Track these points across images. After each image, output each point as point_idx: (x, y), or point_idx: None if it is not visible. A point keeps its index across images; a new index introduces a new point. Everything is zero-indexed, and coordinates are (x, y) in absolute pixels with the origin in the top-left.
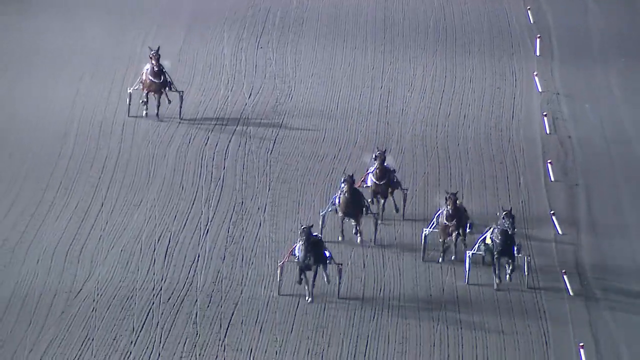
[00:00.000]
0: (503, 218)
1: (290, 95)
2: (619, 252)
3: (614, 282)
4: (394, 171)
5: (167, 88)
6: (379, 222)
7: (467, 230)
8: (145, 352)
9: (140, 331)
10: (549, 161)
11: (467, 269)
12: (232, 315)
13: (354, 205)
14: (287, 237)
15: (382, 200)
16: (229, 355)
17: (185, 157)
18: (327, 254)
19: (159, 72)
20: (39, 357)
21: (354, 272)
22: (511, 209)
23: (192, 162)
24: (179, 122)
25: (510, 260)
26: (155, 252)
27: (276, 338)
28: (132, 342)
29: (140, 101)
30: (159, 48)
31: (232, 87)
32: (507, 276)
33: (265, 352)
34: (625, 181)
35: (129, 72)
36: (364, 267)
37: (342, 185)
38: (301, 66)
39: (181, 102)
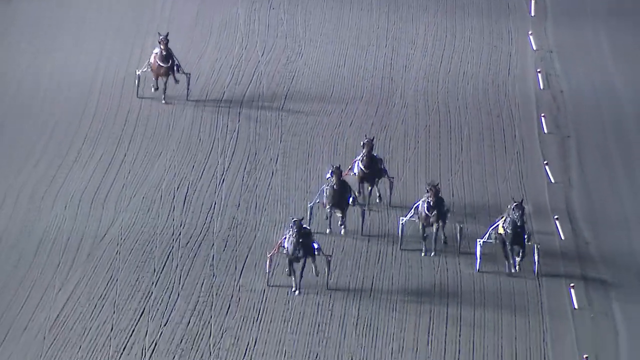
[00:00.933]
0: (513, 209)
1: (301, 54)
2: (608, 199)
3: (603, 226)
4: (381, 160)
5: (174, 71)
6: (367, 212)
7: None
8: (165, 292)
9: (161, 273)
10: (542, 114)
11: (479, 257)
12: (247, 258)
13: (341, 197)
14: (298, 185)
15: (370, 188)
16: (243, 295)
17: (202, 111)
18: (316, 245)
19: (167, 56)
20: (67, 296)
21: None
22: (522, 201)
23: (208, 115)
24: (197, 79)
25: (521, 250)
26: (175, 199)
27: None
28: (153, 283)
29: (152, 89)
30: (167, 34)
31: (246, 46)
32: (517, 266)
33: (277, 292)
34: (613, 132)
35: (148, 35)
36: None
37: (330, 176)
38: (311, 26)
39: (188, 84)
